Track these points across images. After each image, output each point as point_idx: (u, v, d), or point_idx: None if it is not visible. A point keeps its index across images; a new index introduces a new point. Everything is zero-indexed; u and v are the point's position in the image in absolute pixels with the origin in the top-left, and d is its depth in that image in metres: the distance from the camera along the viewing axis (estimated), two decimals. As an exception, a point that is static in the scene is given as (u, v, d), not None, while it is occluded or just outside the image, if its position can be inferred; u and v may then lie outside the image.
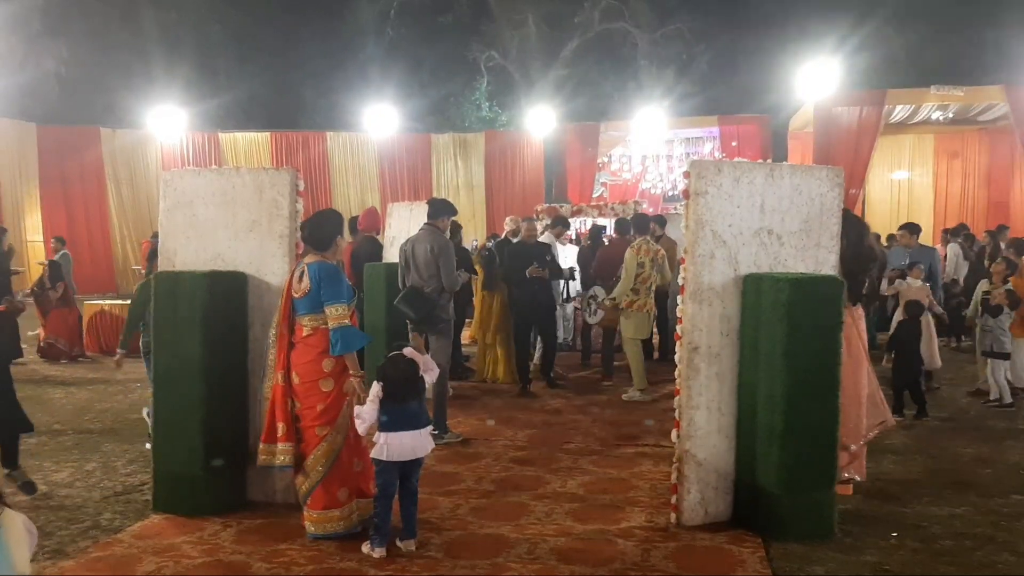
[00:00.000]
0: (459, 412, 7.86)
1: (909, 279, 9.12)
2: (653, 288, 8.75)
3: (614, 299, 8.77)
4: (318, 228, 4.89)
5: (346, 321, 4.65)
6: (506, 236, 10.95)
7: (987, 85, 17.73)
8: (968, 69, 21.60)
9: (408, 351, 4.64)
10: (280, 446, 4.75)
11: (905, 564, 4.39)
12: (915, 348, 7.93)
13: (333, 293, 4.66)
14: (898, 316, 8.59)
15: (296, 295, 4.74)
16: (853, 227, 5.57)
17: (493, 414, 8.01)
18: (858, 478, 5.57)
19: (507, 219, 12.08)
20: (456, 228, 9.80)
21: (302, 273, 4.74)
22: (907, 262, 10.03)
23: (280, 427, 4.75)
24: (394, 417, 4.49)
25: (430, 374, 4.75)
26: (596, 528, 4.91)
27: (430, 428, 4.64)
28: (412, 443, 4.49)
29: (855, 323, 5.55)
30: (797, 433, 4.60)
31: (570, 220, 16.17)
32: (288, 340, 4.79)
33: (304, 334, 4.74)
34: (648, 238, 8.90)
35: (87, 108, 24.40)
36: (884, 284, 9.03)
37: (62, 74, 24.61)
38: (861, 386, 5.48)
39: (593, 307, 9.48)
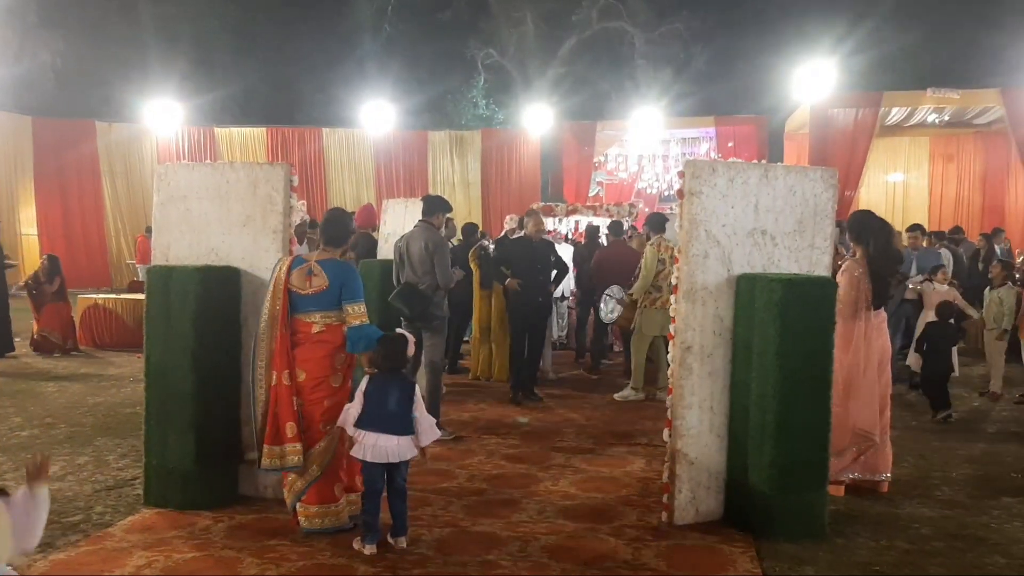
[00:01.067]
0: (452, 409, 7.86)
1: (935, 283, 9.14)
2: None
3: (631, 294, 8.75)
4: (337, 225, 4.96)
5: (367, 319, 4.68)
6: (505, 234, 10.87)
7: (983, 88, 17.77)
8: (964, 72, 21.64)
9: (400, 329, 4.74)
10: (290, 447, 4.66)
11: (896, 565, 4.40)
12: (946, 349, 8.00)
13: (355, 291, 4.69)
14: (925, 318, 8.69)
15: (303, 292, 4.70)
16: (880, 230, 5.59)
17: (485, 412, 8.02)
18: (871, 476, 5.58)
19: (507, 217, 12.08)
20: (472, 229, 10.00)
21: (309, 270, 4.72)
22: (912, 265, 10.07)
23: (289, 427, 4.65)
24: (374, 414, 4.46)
25: (425, 427, 4.69)
26: (587, 526, 4.91)
27: (412, 437, 4.55)
28: (388, 446, 4.44)
29: (877, 327, 5.55)
30: (789, 433, 4.60)
31: (566, 219, 16.24)
32: (289, 339, 4.73)
33: (314, 331, 4.71)
34: (664, 236, 8.82)
35: (83, 101, 24.35)
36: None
37: (58, 67, 24.58)
38: (856, 392, 5.47)
39: (611, 305, 9.35)
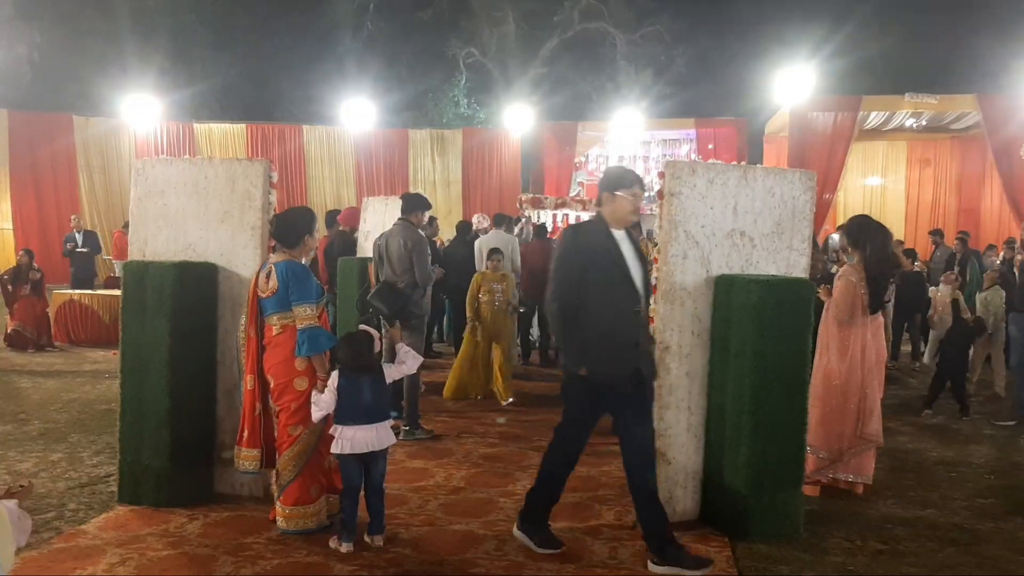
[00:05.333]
0: (430, 408, 7.85)
1: (942, 286, 9.33)
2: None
3: None
4: (285, 224, 4.84)
5: (314, 322, 4.62)
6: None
7: (960, 94, 17.94)
8: (942, 78, 21.83)
9: (363, 326, 4.68)
10: (244, 451, 4.77)
11: (869, 565, 4.44)
12: (963, 350, 8.39)
13: (301, 293, 4.62)
14: (941, 322, 9.11)
15: (263, 295, 4.69)
16: (877, 234, 5.61)
17: (463, 410, 8.01)
18: (852, 478, 5.60)
19: (475, 216, 12.11)
20: (466, 226, 10.08)
21: (269, 272, 4.69)
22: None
23: (245, 432, 4.77)
24: (349, 408, 4.48)
25: (407, 365, 4.77)
26: (564, 526, 4.90)
27: (389, 422, 4.62)
28: (367, 437, 4.47)
29: (874, 332, 5.57)
30: (764, 433, 4.63)
31: (554, 214, 16.26)
32: (257, 343, 4.74)
33: (274, 333, 4.69)
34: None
35: (60, 95, 24.06)
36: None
37: (35, 59, 24.27)
38: (852, 396, 5.50)
39: None
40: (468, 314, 8.66)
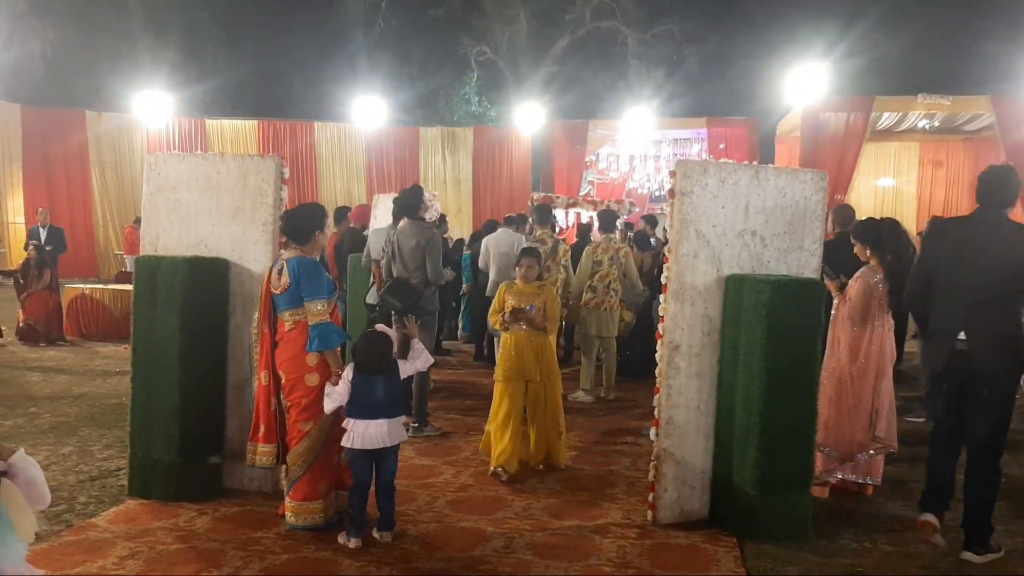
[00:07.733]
0: (439, 406, 7.86)
1: None
2: (614, 286, 8.49)
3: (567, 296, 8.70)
4: (295, 221, 4.87)
5: (325, 318, 4.63)
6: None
7: (973, 95, 17.86)
8: (955, 79, 21.73)
9: (381, 327, 4.69)
10: (260, 447, 4.78)
11: (877, 566, 4.43)
12: None
13: (313, 289, 4.63)
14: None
15: (275, 291, 4.71)
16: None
17: (473, 408, 8.01)
18: (862, 480, 5.57)
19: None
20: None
21: (281, 269, 4.71)
22: None
23: (261, 428, 4.78)
24: (361, 403, 4.49)
25: (420, 361, 4.79)
26: (572, 524, 4.92)
27: (402, 419, 4.64)
28: (378, 432, 4.48)
29: (886, 333, 5.53)
30: (773, 434, 4.61)
31: (565, 211, 16.24)
32: (270, 339, 4.77)
33: (286, 329, 4.71)
34: (612, 236, 8.80)
35: (72, 90, 24.21)
36: None
37: (48, 55, 24.40)
38: (865, 398, 5.47)
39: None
40: (494, 325, 6.30)
